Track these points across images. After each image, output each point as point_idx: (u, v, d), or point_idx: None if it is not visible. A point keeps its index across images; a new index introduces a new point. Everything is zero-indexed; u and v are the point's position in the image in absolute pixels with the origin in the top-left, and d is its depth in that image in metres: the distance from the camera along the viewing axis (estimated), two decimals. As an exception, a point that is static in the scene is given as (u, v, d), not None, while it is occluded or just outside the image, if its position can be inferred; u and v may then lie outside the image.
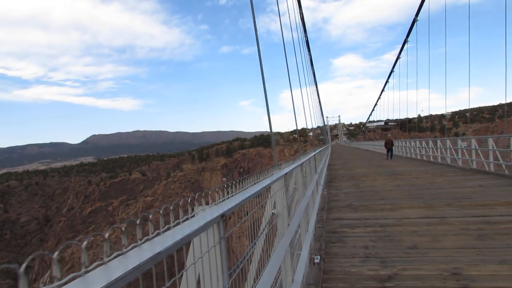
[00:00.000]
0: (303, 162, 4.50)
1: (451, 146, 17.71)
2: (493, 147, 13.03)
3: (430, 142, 21.24)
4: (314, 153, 6.70)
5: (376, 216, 6.88)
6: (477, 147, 14.62)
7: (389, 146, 26.89)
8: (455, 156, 16.97)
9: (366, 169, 18.12)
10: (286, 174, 3.61)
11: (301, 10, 31.98)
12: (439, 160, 19.32)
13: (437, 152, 19.87)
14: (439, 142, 19.71)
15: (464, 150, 15.91)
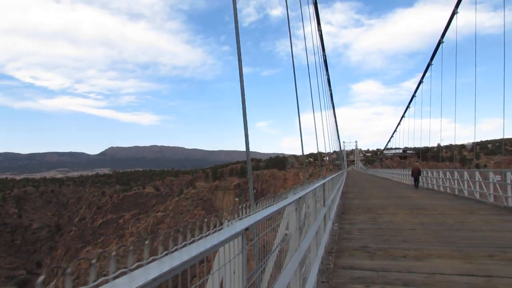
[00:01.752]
0: (299, 198, 3.10)
1: (480, 179, 15.92)
2: (533, 184, 11.30)
3: (456, 173, 19.42)
4: (318, 183, 5.28)
5: (399, 268, 5.33)
6: (513, 182, 12.85)
7: (416, 175, 25.53)
8: (486, 191, 15.17)
9: (384, 200, 16.42)
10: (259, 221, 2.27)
11: (321, 34, 31.41)
12: (466, 194, 17.48)
13: (463, 185, 18.04)
14: (466, 174, 17.90)
15: (497, 185, 14.12)
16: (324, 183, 6.21)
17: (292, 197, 2.86)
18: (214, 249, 1.35)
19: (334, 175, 11.02)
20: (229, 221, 1.77)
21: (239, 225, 1.70)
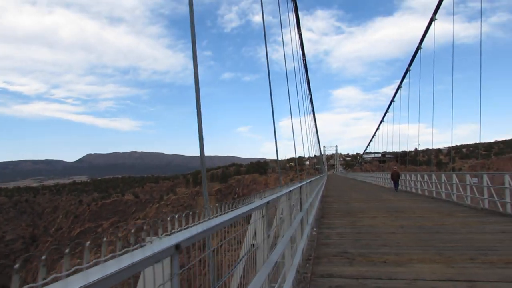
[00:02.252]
0: (267, 202, 2.74)
1: (457, 182, 16.03)
2: (510, 185, 11.36)
3: (434, 176, 19.57)
4: (293, 187, 4.97)
5: (379, 274, 5.09)
6: (489, 184, 12.95)
7: (395, 178, 26.03)
8: (463, 193, 15.28)
9: (364, 204, 16.33)
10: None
11: (302, 38, 31.59)
12: (444, 197, 17.61)
13: (441, 187, 18.17)
14: (443, 177, 18.04)
15: (474, 187, 14.21)
16: (300, 187, 5.94)
17: (258, 202, 2.56)
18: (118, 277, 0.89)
19: (313, 179, 10.80)
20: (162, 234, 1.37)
21: (165, 242, 1.22)
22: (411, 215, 11.65)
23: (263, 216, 2.64)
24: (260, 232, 2.64)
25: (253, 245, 2.62)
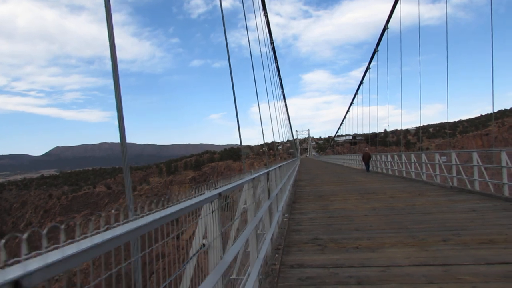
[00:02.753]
0: (219, 193, 2.28)
1: (426, 161, 16.18)
2: (478, 162, 11.45)
3: (404, 156, 19.75)
4: (259, 173, 4.54)
5: (352, 262, 4.82)
6: (458, 162, 13.07)
7: (366, 159, 26.51)
8: (432, 172, 15.43)
9: (336, 186, 16.25)
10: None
11: (269, 25, 31.19)
12: (413, 176, 17.79)
13: (411, 167, 18.35)
14: (413, 157, 18.21)
15: (443, 166, 14.34)
16: (268, 173, 5.56)
17: (207, 194, 2.15)
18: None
19: (284, 163, 10.49)
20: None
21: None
22: (382, 197, 11.58)
23: (213, 211, 2.23)
24: (212, 229, 2.23)
25: (204, 245, 2.21)
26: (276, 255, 5.05)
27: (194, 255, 2.12)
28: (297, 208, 10.06)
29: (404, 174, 19.13)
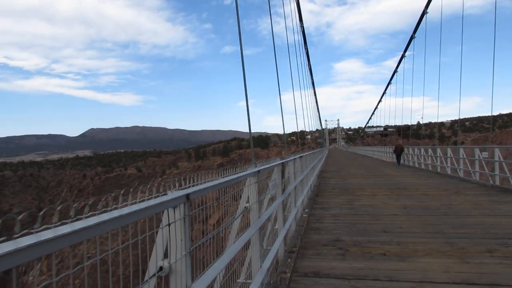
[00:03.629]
0: (187, 194, 1.60)
1: (464, 156, 14.95)
2: (525, 160, 10.27)
3: (438, 150, 18.47)
4: (268, 165, 3.77)
5: (377, 273, 4.07)
6: (501, 158, 11.87)
7: (398, 152, 25.45)
8: (470, 169, 14.23)
9: (363, 179, 15.33)
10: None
11: (301, 15, 30.18)
12: (449, 172, 16.57)
13: (446, 162, 17.11)
14: (449, 151, 16.94)
15: (483, 162, 13.14)
16: (283, 164, 4.84)
17: (170, 195, 1.51)
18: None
19: (306, 153, 9.73)
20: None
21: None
22: (414, 193, 10.64)
23: (179, 220, 1.59)
24: (176, 243, 1.59)
25: (162, 267, 1.57)
26: (289, 260, 4.38)
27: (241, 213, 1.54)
28: (319, 202, 9.31)
29: (439, 170, 17.90)
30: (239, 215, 2.98)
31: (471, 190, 10.99)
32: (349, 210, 8.12)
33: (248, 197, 3.05)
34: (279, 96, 10.54)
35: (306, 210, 7.69)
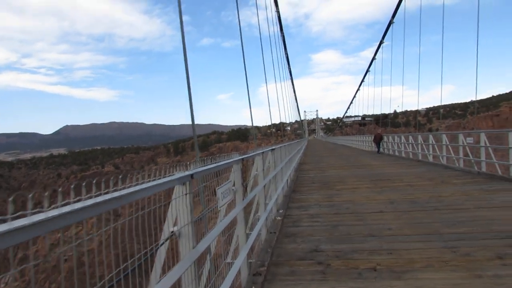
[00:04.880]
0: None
1: (447, 142, 14.32)
2: (515, 145, 9.58)
3: (420, 137, 17.86)
4: (220, 163, 2.80)
5: (367, 300, 3.12)
6: (487, 143, 11.22)
7: (378, 140, 25.33)
8: (453, 156, 13.61)
9: (344, 171, 14.51)
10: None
11: (278, 8, 29.34)
12: (431, 159, 15.95)
13: (428, 149, 16.50)
14: (431, 138, 16.32)
15: (467, 148, 12.49)
16: (243, 160, 3.76)
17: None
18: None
19: (280, 146, 8.74)
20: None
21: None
22: (399, 184, 9.83)
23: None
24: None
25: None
26: (253, 287, 3.37)
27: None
28: (296, 199, 8.35)
29: (420, 157, 17.29)
30: (161, 244, 1.96)
31: (457, 179, 10.27)
32: (329, 208, 7.18)
33: (177, 218, 2.02)
34: (247, 89, 9.83)
35: (281, 211, 6.71)
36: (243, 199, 3.58)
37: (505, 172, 10.35)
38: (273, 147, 6.73)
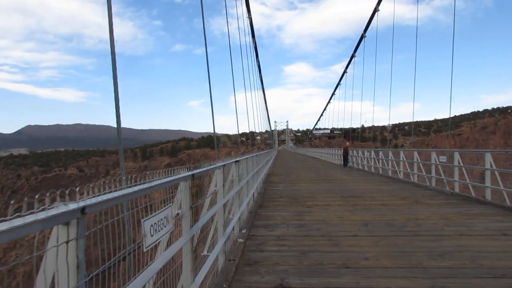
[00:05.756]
0: None
1: (419, 160, 14.00)
2: (491, 165, 9.22)
3: (390, 154, 17.57)
4: (153, 183, 2.08)
5: None
6: (461, 163, 10.88)
7: (345, 154, 25.40)
8: (424, 174, 13.28)
9: (314, 185, 13.88)
10: None
11: (250, 14, 29.08)
12: (401, 176, 15.63)
13: (398, 166, 16.19)
14: (402, 154, 16.02)
15: (439, 167, 12.15)
16: (193, 177, 2.90)
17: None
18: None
19: (245, 157, 7.94)
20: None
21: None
22: (371, 203, 9.24)
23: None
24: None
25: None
26: None
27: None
28: (262, 216, 7.55)
29: (390, 174, 16.97)
30: None
31: (431, 199, 9.81)
32: (298, 229, 6.42)
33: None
34: (210, 98, 9.20)
35: (244, 231, 5.87)
36: (192, 226, 2.75)
37: (478, 194, 10.01)
38: (238, 159, 5.91)
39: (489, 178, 9.17)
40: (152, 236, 1.91)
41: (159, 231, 2.01)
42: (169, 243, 2.60)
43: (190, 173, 2.83)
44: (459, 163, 10.79)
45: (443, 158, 11.74)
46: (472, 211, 7.91)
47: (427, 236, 5.80)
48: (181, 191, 2.73)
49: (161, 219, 2.07)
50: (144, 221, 1.85)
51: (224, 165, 4.49)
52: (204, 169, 3.49)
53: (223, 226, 4.27)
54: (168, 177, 2.54)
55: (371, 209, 8.38)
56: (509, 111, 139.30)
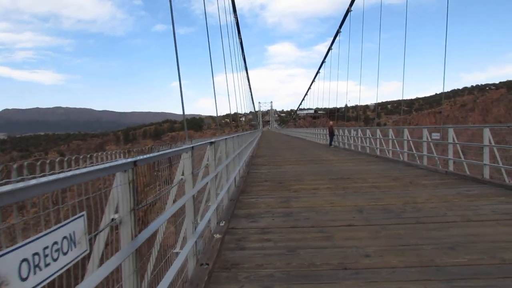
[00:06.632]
0: None
1: (409, 138, 13.37)
2: (490, 141, 8.59)
3: (378, 132, 16.93)
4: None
5: None
6: (456, 140, 10.26)
7: (330, 133, 24.82)
8: (415, 152, 12.69)
9: (300, 166, 13.14)
10: None
11: None
12: (390, 155, 15.03)
13: (387, 144, 15.59)
14: (391, 132, 15.39)
15: (431, 145, 11.54)
16: (135, 164, 2.09)
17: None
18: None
19: (228, 136, 7.10)
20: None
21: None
22: (362, 185, 8.55)
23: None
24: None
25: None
26: None
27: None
28: (244, 204, 6.74)
29: (378, 153, 16.38)
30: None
31: (425, 179, 9.17)
32: (285, 219, 5.64)
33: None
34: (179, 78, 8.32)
35: (222, 223, 5.05)
36: (136, 235, 1.90)
37: (472, 172, 9.44)
38: (213, 140, 5.04)
39: (487, 155, 8.54)
40: (25, 280, 1.05)
41: (46, 265, 1.15)
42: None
43: (130, 159, 1.96)
44: (454, 140, 10.16)
45: (436, 135, 11.09)
46: (472, 192, 7.27)
47: (431, 223, 5.09)
48: (117, 186, 1.88)
49: (54, 243, 1.22)
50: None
51: (192, 147, 3.62)
52: (158, 153, 2.61)
53: (192, 223, 3.44)
54: (93, 165, 1.68)
55: (363, 192, 7.67)
56: (487, 88, 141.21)
